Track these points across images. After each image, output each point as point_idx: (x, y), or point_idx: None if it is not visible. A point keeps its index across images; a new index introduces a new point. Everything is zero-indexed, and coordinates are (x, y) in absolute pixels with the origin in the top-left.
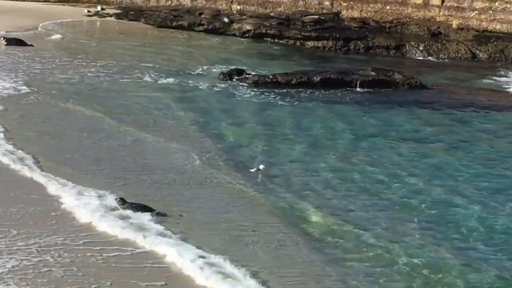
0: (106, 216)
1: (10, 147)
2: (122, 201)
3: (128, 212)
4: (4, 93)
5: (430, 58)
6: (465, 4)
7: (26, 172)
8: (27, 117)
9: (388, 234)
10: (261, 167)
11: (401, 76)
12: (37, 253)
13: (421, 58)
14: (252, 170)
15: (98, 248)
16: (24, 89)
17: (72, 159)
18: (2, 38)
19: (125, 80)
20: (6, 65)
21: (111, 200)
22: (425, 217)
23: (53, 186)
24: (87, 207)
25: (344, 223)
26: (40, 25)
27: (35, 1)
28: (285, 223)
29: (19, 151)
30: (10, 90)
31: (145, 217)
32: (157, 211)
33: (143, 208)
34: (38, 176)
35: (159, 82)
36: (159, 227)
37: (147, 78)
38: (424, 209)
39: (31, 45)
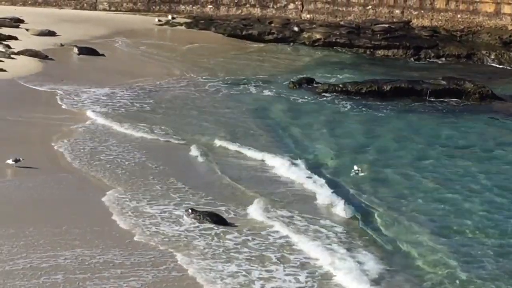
0: None
1: None
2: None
3: None
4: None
5: (502, 67)
6: None
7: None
8: None
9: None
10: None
11: (472, 85)
12: None
13: (493, 67)
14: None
15: None
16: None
17: None
18: (75, 47)
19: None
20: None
21: None
22: None
23: None
24: None
25: None
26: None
27: (106, 11)
28: None
29: None
30: None
31: None
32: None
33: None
34: None
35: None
36: None
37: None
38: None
39: (103, 55)
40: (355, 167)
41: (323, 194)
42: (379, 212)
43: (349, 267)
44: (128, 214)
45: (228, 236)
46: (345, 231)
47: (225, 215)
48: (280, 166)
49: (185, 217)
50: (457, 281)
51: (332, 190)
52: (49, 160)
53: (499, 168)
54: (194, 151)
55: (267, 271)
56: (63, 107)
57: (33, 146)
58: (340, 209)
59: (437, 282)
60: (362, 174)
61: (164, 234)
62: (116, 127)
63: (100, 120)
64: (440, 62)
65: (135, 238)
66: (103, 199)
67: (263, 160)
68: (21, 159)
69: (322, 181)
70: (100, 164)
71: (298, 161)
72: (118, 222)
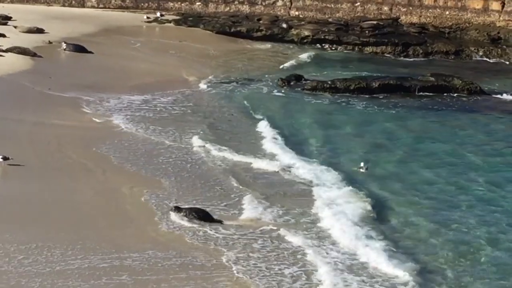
0: None
1: None
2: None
3: None
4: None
5: (490, 62)
6: None
7: None
8: None
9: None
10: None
11: (460, 82)
12: None
13: (481, 63)
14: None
15: None
16: None
17: None
18: (63, 43)
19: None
20: None
21: None
22: None
23: None
24: None
25: None
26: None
27: (95, 8)
28: None
29: None
30: None
31: None
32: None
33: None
34: None
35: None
36: None
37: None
38: None
39: (91, 52)
40: (362, 164)
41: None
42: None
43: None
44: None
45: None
46: None
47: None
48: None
49: (172, 214)
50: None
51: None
52: (97, 163)
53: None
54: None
55: None
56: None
57: (76, 150)
58: None
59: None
60: (364, 171)
61: None
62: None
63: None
64: (428, 58)
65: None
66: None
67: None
68: (10, 158)
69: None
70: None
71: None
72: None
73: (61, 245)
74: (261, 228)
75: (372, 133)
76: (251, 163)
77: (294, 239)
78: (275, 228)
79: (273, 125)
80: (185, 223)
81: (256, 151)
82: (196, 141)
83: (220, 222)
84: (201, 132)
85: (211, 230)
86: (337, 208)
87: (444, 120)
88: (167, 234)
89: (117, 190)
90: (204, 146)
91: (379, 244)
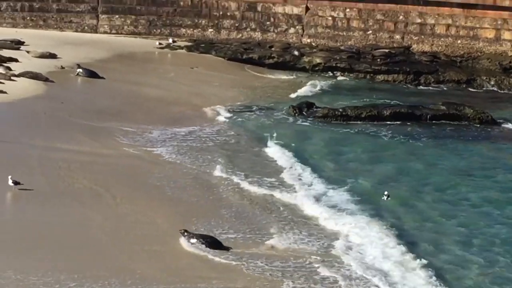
0: None
1: None
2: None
3: None
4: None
5: (502, 92)
6: None
7: None
8: None
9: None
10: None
11: (472, 111)
12: None
13: (493, 93)
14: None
15: None
16: None
17: None
18: (77, 67)
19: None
20: None
21: None
22: None
23: None
24: None
25: None
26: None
27: (107, 34)
28: None
29: None
30: None
31: None
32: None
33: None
34: None
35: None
36: None
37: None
38: None
39: (103, 78)
40: (386, 193)
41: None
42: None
43: None
44: None
45: None
46: None
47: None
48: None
49: (182, 238)
50: None
51: None
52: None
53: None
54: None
55: None
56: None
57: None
58: None
59: None
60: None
61: None
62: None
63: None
64: (440, 87)
65: None
66: None
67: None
68: (20, 182)
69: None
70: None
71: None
72: None
73: (69, 272)
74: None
75: (384, 162)
76: (272, 195)
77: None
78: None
79: (292, 154)
80: (196, 250)
81: (277, 182)
82: (218, 172)
83: (228, 249)
84: (222, 162)
85: (222, 258)
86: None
87: (456, 150)
88: (179, 261)
89: (128, 216)
90: (224, 176)
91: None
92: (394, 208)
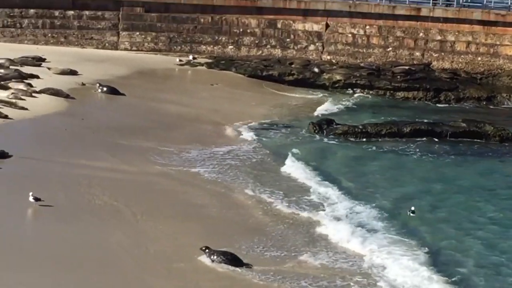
0: None
1: None
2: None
3: None
4: None
5: None
6: None
7: None
8: None
9: None
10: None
11: (492, 128)
12: None
13: None
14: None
15: None
16: None
17: None
18: (98, 85)
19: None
20: None
21: None
22: None
23: None
24: None
25: None
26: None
27: (128, 51)
28: None
29: None
30: None
31: None
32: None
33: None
34: None
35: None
36: None
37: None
38: None
39: (123, 94)
40: (412, 208)
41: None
42: None
43: None
44: None
45: None
46: None
47: None
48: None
49: (203, 255)
50: None
51: None
52: None
53: None
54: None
55: None
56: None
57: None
58: None
59: None
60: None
61: None
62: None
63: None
64: (460, 104)
65: None
66: None
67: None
68: (41, 199)
69: None
70: None
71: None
72: None
73: None
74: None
75: (405, 180)
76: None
77: None
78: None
79: (316, 172)
80: (217, 267)
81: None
82: (248, 191)
83: (249, 266)
84: (249, 184)
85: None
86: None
87: (476, 167)
88: (201, 278)
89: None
90: (250, 194)
91: None
92: (418, 226)
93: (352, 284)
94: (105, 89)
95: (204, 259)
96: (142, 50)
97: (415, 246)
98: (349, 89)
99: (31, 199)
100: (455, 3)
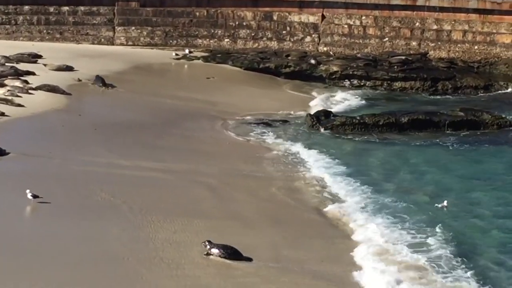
0: None
1: None
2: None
3: None
4: None
5: None
6: None
7: None
8: None
9: None
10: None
11: (490, 116)
12: None
13: (510, 98)
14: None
15: None
16: None
17: None
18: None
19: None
20: None
21: None
22: None
23: None
24: None
25: None
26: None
27: (124, 46)
28: None
29: None
30: None
31: None
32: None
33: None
34: None
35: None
36: None
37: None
38: None
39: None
40: (445, 202)
41: None
42: None
43: None
44: None
45: None
46: None
47: None
48: None
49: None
50: None
51: None
52: None
53: None
54: None
55: None
56: None
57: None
58: None
59: None
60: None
61: None
62: None
63: None
64: (457, 93)
65: None
66: None
67: None
68: (39, 196)
69: None
70: None
71: None
72: None
73: (87, 286)
74: None
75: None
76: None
77: None
78: None
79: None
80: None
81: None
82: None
83: (249, 260)
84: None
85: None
86: None
87: (475, 156)
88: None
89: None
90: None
91: None
92: (448, 221)
93: None
94: (98, 81)
95: (205, 252)
96: (138, 45)
97: (446, 241)
98: (346, 80)
99: (29, 196)
100: None
